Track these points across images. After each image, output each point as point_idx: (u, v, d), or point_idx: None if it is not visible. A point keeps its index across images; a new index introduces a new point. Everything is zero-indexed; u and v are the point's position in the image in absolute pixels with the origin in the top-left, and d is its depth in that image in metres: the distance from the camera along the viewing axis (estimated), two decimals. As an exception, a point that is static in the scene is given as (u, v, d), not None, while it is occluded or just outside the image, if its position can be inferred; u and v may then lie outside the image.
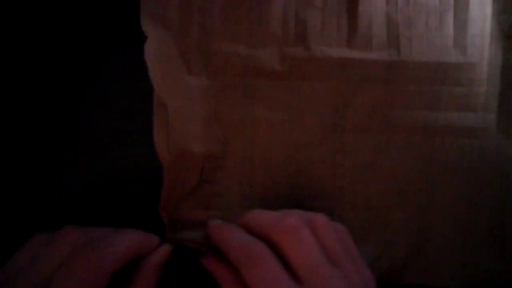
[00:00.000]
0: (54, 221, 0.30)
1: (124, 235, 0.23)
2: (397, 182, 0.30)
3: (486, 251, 0.30)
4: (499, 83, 0.30)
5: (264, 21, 0.29)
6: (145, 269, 0.24)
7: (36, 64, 0.30)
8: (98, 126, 0.30)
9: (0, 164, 0.30)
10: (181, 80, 0.29)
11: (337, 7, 0.29)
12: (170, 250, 0.26)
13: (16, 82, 0.30)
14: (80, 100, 0.30)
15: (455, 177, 0.30)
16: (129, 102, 0.30)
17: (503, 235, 0.30)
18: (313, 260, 0.22)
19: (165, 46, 0.29)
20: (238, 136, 0.30)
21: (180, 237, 0.30)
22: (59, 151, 0.30)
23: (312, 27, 0.29)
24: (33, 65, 0.30)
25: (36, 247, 0.23)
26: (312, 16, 0.29)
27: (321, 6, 0.30)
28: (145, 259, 0.25)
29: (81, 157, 0.30)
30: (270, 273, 0.22)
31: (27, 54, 0.30)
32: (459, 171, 0.30)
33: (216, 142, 0.30)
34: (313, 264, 0.22)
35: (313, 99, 0.30)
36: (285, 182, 0.30)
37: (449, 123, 0.30)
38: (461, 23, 0.30)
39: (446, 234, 0.30)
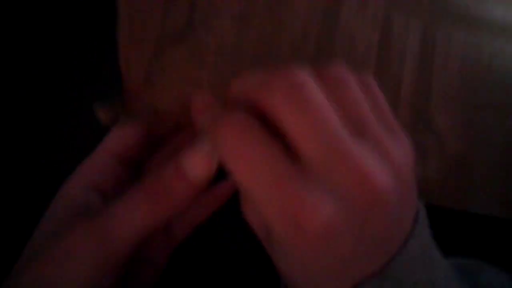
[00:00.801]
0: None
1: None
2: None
3: None
4: None
5: None
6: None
7: (36, 64, 0.30)
8: (98, 126, 0.30)
9: (0, 164, 0.30)
10: None
11: None
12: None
13: (16, 82, 0.30)
14: (80, 100, 0.30)
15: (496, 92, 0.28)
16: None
17: None
18: (325, 130, 0.15)
19: None
20: None
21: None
22: (59, 151, 0.30)
23: None
24: (33, 65, 0.30)
25: None
26: None
27: None
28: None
29: (81, 157, 0.30)
30: (253, 152, 0.15)
31: (27, 54, 0.30)
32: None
33: None
34: (326, 137, 0.15)
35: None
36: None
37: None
38: None
39: (486, 158, 0.28)
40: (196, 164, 0.18)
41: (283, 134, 0.16)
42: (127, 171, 0.22)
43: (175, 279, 0.30)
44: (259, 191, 0.15)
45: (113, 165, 0.21)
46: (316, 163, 0.15)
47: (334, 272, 0.17)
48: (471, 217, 0.29)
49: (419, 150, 0.28)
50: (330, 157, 0.15)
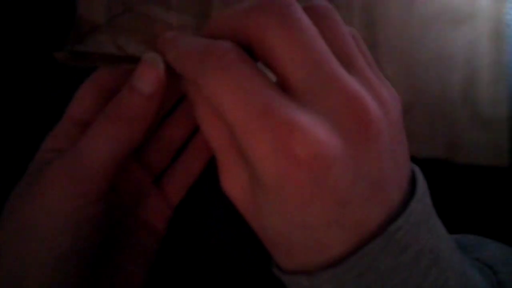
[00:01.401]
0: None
1: None
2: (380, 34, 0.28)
3: (460, 117, 0.29)
4: None
5: None
6: None
7: (37, 64, 0.30)
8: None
9: (0, 164, 0.29)
10: None
11: None
12: None
13: (16, 82, 0.30)
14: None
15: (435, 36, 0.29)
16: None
17: (475, 100, 0.29)
18: (315, 53, 0.14)
19: None
20: None
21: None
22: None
23: None
24: (34, 65, 0.30)
25: None
26: None
27: None
28: None
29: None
30: (240, 78, 0.14)
31: (28, 54, 0.30)
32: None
33: None
34: (316, 60, 0.14)
35: None
36: None
37: None
38: None
39: (426, 103, 0.29)
40: (143, 76, 0.19)
41: (270, 66, 0.15)
42: None
43: (167, 278, 0.29)
44: (247, 123, 0.14)
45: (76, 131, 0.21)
46: (307, 88, 0.15)
47: (333, 215, 0.15)
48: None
49: None
50: (321, 82, 0.14)
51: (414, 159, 0.18)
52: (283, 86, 0.15)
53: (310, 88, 0.14)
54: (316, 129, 0.14)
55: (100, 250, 0.20)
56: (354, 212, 0.15)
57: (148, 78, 0.18)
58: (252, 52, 0.16)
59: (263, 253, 0.18)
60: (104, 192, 0.19)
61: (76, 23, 0.22)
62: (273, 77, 0.16)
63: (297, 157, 0.14)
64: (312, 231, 0.15)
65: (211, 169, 0.23)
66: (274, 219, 0.16)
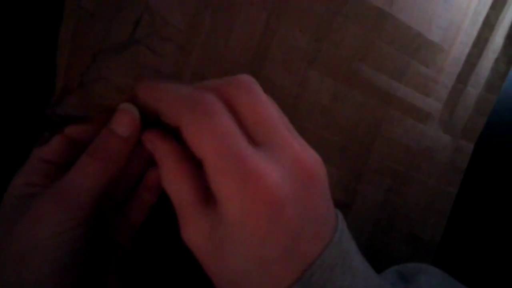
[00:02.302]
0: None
1: None
2: (342, 136, 0.30)
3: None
4: (455, 77, 0.31)
5: None
6: None
7: (37, 64, 0.28)
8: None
9: (0, 164, 0.28)
10: None
11: None
12: None
13: (17, 82, 0.28)
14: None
15: (392, 151, 0.31)
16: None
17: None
18: (272, 119, 0.19)
19: None
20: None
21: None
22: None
23: None
24: (34, 65, 0.28)
25: None
26: None
27: None
28: None
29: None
30: (221, 126, 0.18)
31: (28, 54, 0.28)
32: (397, 147, 0.31)
33: None
34: (273, 124, 0.19)
35: (297, 18, 0.27)
36: None
37: (405, 98, 0.30)
38: (448, 5, 0.29)
39: (368, 200, 0.31)
40: (121, 122, 0.22)
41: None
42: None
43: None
44: (222, 166, 0.17)
45: (46, 167, 0.24)
46: (266, 145, 0.18)
47: (286, 248, 0.18)
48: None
49: None
50: (276, 140, 0.18)
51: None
52: (245, 127, 0.19)
53: (266, 139, 0.19)
54: (275, 175, 0.17)
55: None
56: (303, 246, 0.18)
57: (125, 124, 0.22)
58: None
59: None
60: (89, 216, 0.22)
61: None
62: None
63: (260, 197, 0.17)
64: (268, 265, 0.18)
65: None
66: (235, 258, 0.18)
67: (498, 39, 0.31)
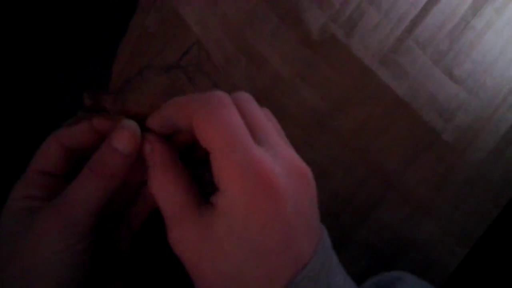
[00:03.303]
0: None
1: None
2: (337, 204, 0.31)
3: None
4: (464, 181, 0.31)
5: None
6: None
7: (38, 65, 0.30)
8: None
9: (1, 164, 0.30)
10: None
11: (396, 18, 0.30)
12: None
13: (16, 82, 0.30)
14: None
15: (382, 233, 0.31)
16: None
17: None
18: (269, 126, 0.21)
19: None
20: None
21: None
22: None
23: (365, 23, 0.29)
24: (35, 66, 0.30)
25: None
26: (372, 12, 0.30)
27: (384, 9, 0.30)
28: None
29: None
30: (231, 118, 0.19)
31: (29, 54, 0.30)
32: (389, 230, 0.31)
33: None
34: (270, 131, 0.21)
35: (321, 83, 0.30)
36: None
37: (408, 185, 0.31)
38: (468, 111, 0.31)
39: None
40: (122, 138, 0.22)
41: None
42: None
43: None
44: (224, 146, 0.19)
45: (44, 179, 0.24)
46: (266, 142, 0.20)
47: (283, 243, 0.19)
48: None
49: None
50: (274, 142, 0.20)
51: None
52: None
53: (268, 144, 0.20)
54: (277, 170, 0.19)
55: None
56: (297, 241, 0.19)
57: (126, 141, 0.22)
58: None
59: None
60: (91, 230, 0.22)
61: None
62: None
63: (263, 187, 0.18)
64: (266, 256, 0.19)
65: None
66: (233, 252, 0.19)
67: (512, 154, 0.31)
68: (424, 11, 0.30)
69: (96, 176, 0.22)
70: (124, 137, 0.22)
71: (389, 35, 0.30)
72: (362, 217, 0.31)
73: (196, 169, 0.23)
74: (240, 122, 0.20)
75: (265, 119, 0.21)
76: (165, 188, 0.21)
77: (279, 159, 0.20)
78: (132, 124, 0.23)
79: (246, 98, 0.21)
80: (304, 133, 0.30)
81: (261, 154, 0.19)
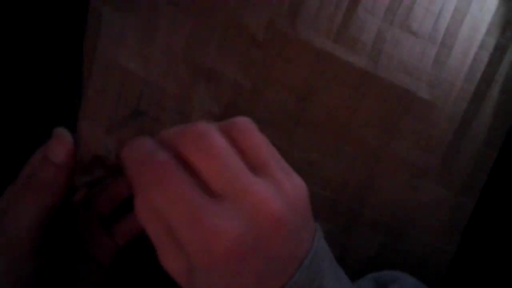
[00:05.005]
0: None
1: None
2: (332, 191, 0.31)
3: None
4: (452, 133, 0.30)
5: None
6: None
7: (38, 65, 0.31)
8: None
9: (1, 164, 0.30)
10: None
11: None
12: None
13: (16, 82, 0.31)
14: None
15: (385, 207, 0.31)
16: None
17: None
18: (228, 169, 0.18)
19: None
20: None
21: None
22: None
23: (307, 7, 0.29)
24: (35, 66, 0.31)
25: None
26: None
27: None
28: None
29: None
30: (174, 187, 0.18)
31: (29, 54, 0.30)
32: (391, 202, 0.31)
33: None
34: (229, 175, 0.18)
35: (281, 79, 0.29)
36: None
37: (398, 154, 0.30)
38: (439, 64, 0.30)
39: (360, 254, 0.31)
40: (54, 148, 0.22)
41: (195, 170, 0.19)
42: None
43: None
44: (177, 220, 0.18)
45: None
46: (225, 195, 0.18)
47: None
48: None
49: None
50: (234, 190, 0.18)
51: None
52: (204, 181, 0.19)
53: (227, 195, 0.19)
54: (232, 227, 0.18)
55: None
56: (268, 283, 0.19)
57: (59, 150, 0.21)
58: None
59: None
60: (31, 251, 0.21)
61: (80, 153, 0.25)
62: None
63: (216, 250, 0.18)
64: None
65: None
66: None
67: (494, 94, 0.30)
68: None
69: (29, 191, 0.21)
70: (57, 146, 0.22)
71: (336, 11, 0.29)
72: (361, 197, 0.31)
73: None
74: (187, 184, 0.18)
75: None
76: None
77: (241, 208, 0.18)
78: (63, 132, 0.22)
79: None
80: (280, 132, 0.30)
81: (216, 216, 0.18)
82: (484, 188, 0.30)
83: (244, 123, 0.20)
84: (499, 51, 0.30)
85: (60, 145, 0.22)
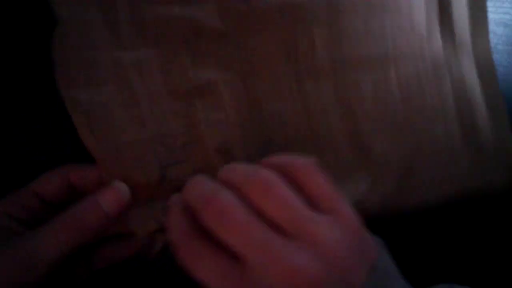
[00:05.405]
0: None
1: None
2: (361, 117, 0.30)
3: (462, 162, 0.31)
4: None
5: None
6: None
7: (38, 65, 0.30)
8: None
9: (1, 165, 0.30)
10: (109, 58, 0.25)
11: None
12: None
13: (16, 82, 0.30)
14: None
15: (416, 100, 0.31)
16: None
17: (477, 146, 0.31)
18: (294, 213, 0.20)
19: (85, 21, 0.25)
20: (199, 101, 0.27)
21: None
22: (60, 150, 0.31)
23: None
24: (35, 66, 0.30)
25: None
26: None
27: None
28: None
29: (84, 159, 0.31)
30: (237, 218, 0.19)
31: (29, 54, 0.30)
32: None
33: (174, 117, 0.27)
34: (296, 218, 0.19)
35: (262, 53, 0.28)
36: (257, 139, 0.29)
37: (400, 48, 0.30)
38: None
39: (426, 156, 0.31)
40: (110, 198, 0.22)
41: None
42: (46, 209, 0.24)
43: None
44: (258, 259, 0.19)
45: (35, 201, 0.24)
46: (295, 233, 0.19)
47: None
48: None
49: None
50: (304, 232, 0.19)
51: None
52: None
53: (293, 230, 0.19)
54: (310, 263, 0.19)
55: None
56: None
57: (113, 202, 0.22)
58: None
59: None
60: (44, 281, 0.21)
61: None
62: None
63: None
64: None
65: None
66: None
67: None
68: None
69: (66, 229, 0.21)
70: (112, 197, 0.22)
71: None
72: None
73: None
74: (256, 222, 0.19)
75: (295, 204, 0.20)
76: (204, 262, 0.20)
77: (306, 245, 0.19)
78: (122, 186, 0.23)
79: (263, 182, 0.20)
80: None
81: (292, 254, 0.19)
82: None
83: (307, 164, 0.21)
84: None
85: (116, 198, 0.22)
